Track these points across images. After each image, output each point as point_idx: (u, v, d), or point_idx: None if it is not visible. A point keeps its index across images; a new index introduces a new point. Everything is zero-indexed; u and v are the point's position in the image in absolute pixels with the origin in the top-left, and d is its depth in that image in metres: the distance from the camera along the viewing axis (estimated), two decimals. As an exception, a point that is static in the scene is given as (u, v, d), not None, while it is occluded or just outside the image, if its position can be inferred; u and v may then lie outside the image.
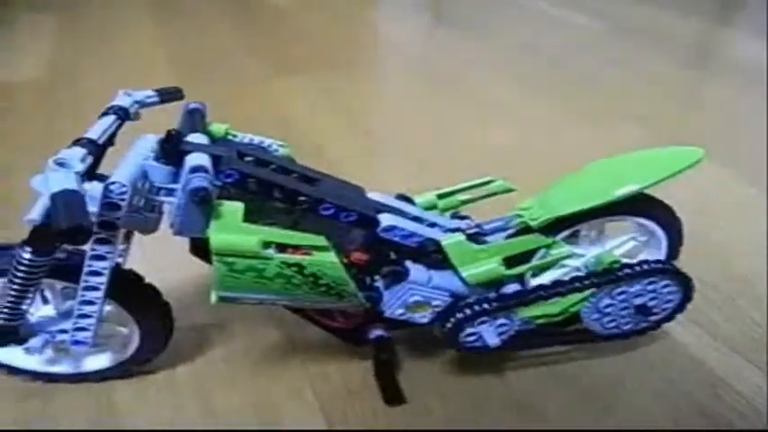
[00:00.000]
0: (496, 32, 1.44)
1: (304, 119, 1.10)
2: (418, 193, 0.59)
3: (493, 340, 0.54)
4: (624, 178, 0.53)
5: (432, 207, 0.58)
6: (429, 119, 1.05)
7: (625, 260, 0.58)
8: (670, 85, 1.19)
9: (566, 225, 0.56)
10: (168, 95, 0.57)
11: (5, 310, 0.51)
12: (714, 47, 1.40)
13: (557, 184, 0.56)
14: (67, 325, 0.54)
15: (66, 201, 0.39)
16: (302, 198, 0.48)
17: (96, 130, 0.49)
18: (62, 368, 0.60)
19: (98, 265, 0.49)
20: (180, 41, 1.54)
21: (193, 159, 0.44)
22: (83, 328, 0.53)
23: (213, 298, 0.49)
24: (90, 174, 0.45)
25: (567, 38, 1.40)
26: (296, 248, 0.47)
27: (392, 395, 0.57)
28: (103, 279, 0.50)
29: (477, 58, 1.31)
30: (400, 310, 0.53)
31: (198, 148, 0.46)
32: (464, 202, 0.60)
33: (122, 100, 0.54)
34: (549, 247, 0.55)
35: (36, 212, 0.45)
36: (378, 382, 0.57)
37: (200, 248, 0.51)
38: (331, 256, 0.47)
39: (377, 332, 0.57)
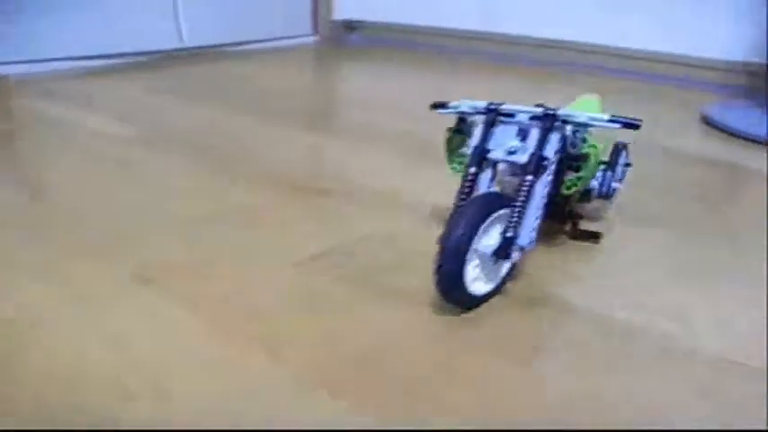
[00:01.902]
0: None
1: None
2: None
3: (618, 185, 0.82)
4: (592, 109, 0.82)
5: None
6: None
7: None
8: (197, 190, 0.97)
9: None
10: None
11: (512, 226, 0.62)
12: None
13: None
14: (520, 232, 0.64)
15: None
16: None
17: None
18: (494, 284, 0.65)
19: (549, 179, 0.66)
20: None
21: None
22: (535, 229, 0.66)
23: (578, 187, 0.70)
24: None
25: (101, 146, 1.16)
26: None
27: (594, 236, 0.78)
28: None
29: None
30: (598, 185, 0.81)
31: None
32: None
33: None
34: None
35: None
36: (578, 238, 0.79)
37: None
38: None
39: (568, 209, 0.79)
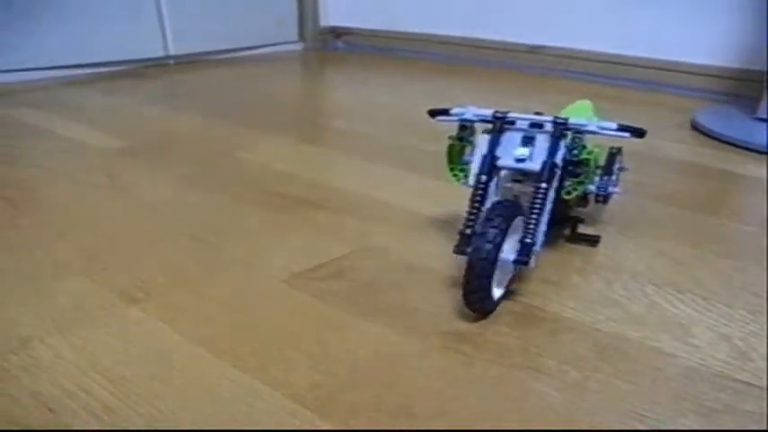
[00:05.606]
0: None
1: None
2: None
3: (615, 189, 0.81)
4: (587, 115, 0.83)
5: None
6: None
7: None
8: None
9: None
10: None
11: (530, 233, 0.63)
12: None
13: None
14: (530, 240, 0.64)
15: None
16: None
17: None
18: (504, 287, 0.65)
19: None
20: None
21: None
22: (545, 233, 0.66)
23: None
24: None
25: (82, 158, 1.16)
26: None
27: (592, 239, 0.80)
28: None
29: None
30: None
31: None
32: None
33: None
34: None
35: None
36: (575, 241, 0.81)
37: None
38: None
39: (572, 213, 0.82)
